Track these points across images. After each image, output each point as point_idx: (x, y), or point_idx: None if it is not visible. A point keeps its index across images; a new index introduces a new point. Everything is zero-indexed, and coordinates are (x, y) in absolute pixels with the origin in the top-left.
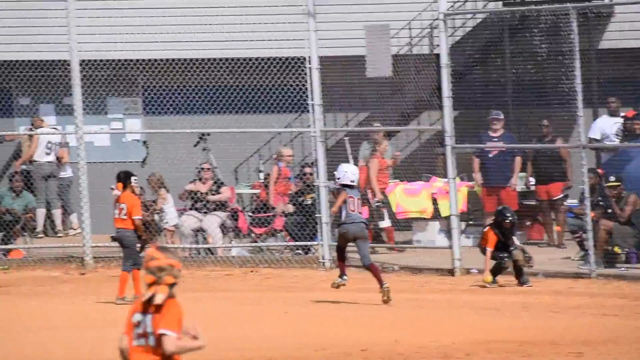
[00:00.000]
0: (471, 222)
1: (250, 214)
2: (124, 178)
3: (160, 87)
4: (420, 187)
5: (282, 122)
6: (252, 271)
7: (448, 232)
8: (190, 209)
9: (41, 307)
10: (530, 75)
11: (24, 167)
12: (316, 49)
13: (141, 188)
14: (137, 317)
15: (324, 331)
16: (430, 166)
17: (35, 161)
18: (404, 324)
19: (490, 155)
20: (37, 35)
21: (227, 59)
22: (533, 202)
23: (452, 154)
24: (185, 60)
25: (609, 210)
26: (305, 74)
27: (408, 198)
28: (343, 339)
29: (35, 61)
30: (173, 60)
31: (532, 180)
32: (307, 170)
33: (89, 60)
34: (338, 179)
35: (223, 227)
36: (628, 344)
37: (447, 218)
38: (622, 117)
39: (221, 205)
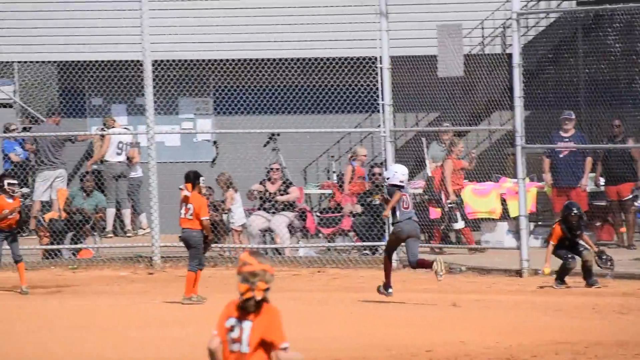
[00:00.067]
0: (540, 223)
1: (318, 214)
2: (194, 178)
3: (231, 87)
4: (489, 188)
5: (352, 123)
6: (319, 271)
7: (516, 233)
8: (259, 209)
9: (110, 307)
10: (603, 74)
11: (95, 167)
12: (387, 49)
13: (210, 188)
14: (231, 321)
15: (390, 332)
16: (500, 166)
17: (107, 161)
18: (470, 325)
19: (561, 156)
20: (110, 35)
21: (298, 59)
22: (603, 203)
23: (523, 154)
24: (256, 60)
25: None
26: (376, 73)
27: (477, 198)
28: (409, 339)
29: (108, 62)
30: (244, 60)
31: (602, 181)
32: (376, 170)
33: (161, 61)
34: (387, 179)
35: (291, 227)
36: None
37: (516, 219)
38: None
39: (289, 206)
